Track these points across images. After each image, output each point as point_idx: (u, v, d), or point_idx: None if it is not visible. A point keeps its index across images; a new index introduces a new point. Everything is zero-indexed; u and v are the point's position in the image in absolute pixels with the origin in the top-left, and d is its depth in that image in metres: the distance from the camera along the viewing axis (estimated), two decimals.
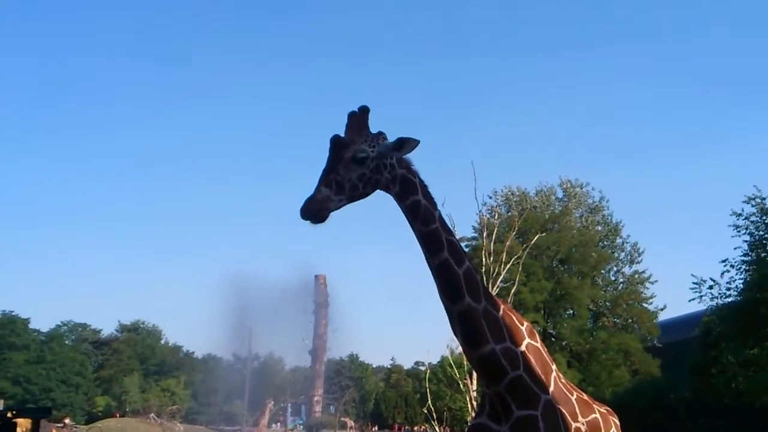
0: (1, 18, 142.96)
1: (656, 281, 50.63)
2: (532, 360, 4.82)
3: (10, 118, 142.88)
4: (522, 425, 4.61)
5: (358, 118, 4.47)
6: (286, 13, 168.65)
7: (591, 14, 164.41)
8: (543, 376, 4.84)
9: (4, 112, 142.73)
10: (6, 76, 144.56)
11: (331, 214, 4.36)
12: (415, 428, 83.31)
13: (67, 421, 59.50)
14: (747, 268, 29.76)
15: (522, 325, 4.95)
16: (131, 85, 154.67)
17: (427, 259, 4.67)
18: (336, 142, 4.36)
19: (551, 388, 4.86)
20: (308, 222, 4.27)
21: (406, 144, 4.48)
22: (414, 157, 4.63)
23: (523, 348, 4.80)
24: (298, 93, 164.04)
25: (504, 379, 4.64)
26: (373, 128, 4.54)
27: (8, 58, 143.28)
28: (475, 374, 13.76)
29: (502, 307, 4.87)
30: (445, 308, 4.70)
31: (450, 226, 4.84)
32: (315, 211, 4.24)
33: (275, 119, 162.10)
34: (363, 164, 4.36)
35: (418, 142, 4.51)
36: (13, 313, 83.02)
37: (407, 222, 4.71)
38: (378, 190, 4.62)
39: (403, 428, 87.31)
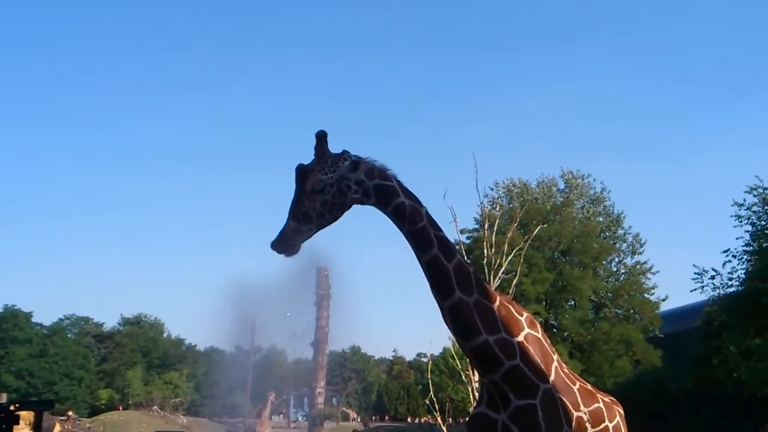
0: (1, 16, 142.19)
1: (658, 272, 50.73)
2: (531, 350, 4.83)
3: (10, 114, 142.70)
4: (521, 414, 4.63)
5: (317, 144, 4.63)
6: (288, 8, 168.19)
7: (592, 7, 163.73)
8: (543, 366, 4.84)
9: (4, 107, 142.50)
10: (6, 74, 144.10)
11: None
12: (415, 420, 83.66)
13: (70, 413, 59.60)
14: (749, 258, 29.80)
15: (521, 316, 4.97)
16: (133, 81, 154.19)
17: (417, 256, 4.73)
18: (299, 173, 4.56)
19: (552, 378, 4.87)
20: (281, 255, 4.48)
21: (359, 165, 4.66)
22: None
23: (520, 339, 4.81)
24: (299, 89, 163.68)
25: (499, 369, 4.67)
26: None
27: (8, 56, 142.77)
28: None
29: (498, 299, 4.89)
30: (437, 302, 4.75)
31: (437, 222, 4.84)
32: (285, 246, 4.47)
33: (276, 116, 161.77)
34: (323, 192, 4.53)
35: (372, 161, 4.73)
36: (15, 307, 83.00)
37: (396, 226, 4.77)
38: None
39: (406, 419, 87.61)
